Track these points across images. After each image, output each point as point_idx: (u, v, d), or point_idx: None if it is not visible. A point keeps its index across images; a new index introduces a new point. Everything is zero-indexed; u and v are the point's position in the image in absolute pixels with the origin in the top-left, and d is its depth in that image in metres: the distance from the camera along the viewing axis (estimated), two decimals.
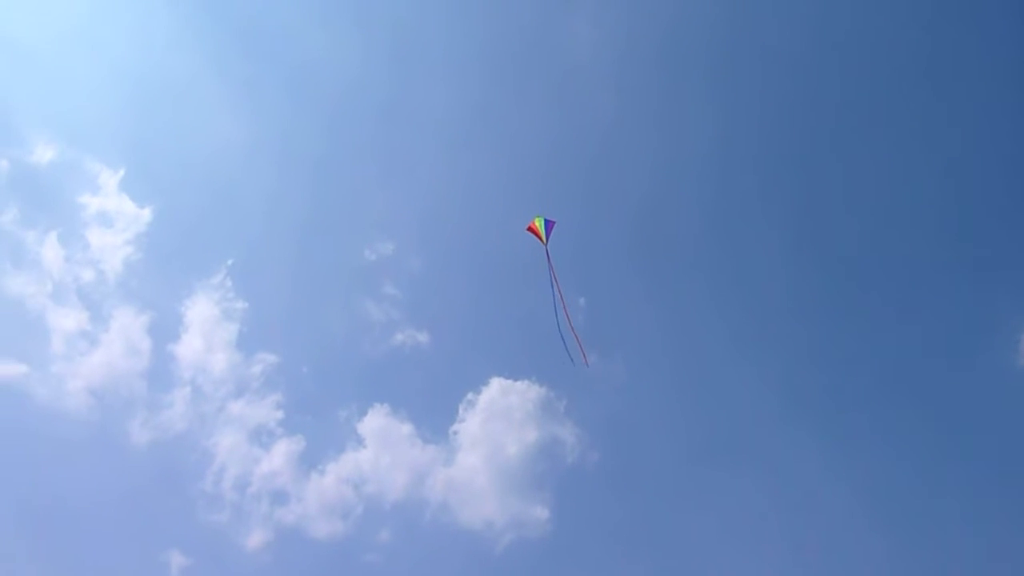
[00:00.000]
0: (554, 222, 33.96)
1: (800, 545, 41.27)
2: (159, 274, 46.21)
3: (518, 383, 44.39)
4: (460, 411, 43.97)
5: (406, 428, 43.80)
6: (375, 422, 43.76)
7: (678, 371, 47.16)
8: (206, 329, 44.80)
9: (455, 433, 43.74)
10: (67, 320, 43.52)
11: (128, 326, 44.08)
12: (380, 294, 47.14)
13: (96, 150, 46.73)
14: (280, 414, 43.79)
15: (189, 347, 44.39)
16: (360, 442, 43.41)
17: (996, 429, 42.50)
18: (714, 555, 41.01)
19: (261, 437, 43.33)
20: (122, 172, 46.28)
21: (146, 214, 46.03)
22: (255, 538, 41.16)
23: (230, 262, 46.16)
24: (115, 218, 45.70)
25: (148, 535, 40.82)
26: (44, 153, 45.70)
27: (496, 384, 44.26)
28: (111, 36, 49.11)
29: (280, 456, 42.93)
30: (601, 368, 45.20)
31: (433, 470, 43.11)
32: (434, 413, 44.58)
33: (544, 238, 34.01)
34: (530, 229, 34.13)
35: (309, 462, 42.93)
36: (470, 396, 44.13)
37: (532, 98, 51.98)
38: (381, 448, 43.42)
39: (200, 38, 49.30)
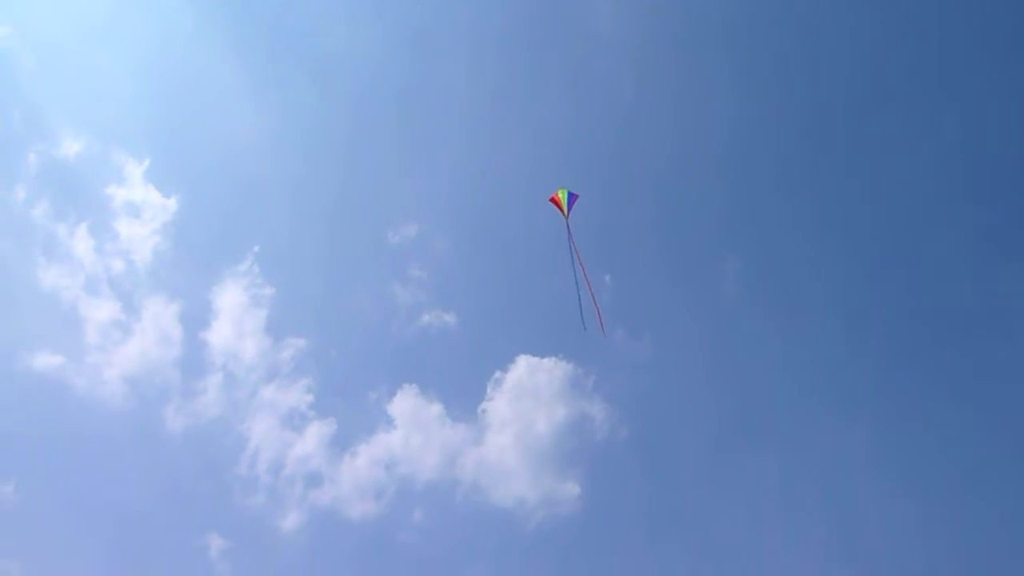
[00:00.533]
0: (577, 196, 33.88)
1: (829, 522, 41.19)
2: (187, 262, 46.94)
3: (545, 360, 44.55)
4: (488, 390, 44.23)
5: (435, 408, 44.15)
6: (405, 403, 44.15)
7: (704, 347, 46.95)
8: (236, 316, 45.45)
9: (483, 411, 44.04)
10: (100, 311, 44.34)
11: (160, 315, 44.85)
12: (406, 276, 47.50)
13: (121, 142, 47.40)
14: (311, 397, 44.34)
15: (220, 334, 45.04)
16: (391, 423, 43.86)
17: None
18: (743, 529, 41.13)
19: (293, 421, 43.95)
20: (147, 163, 46.93)
21: (172, 204, 46.72)
22: (290, 520, 41.86)
23: (256, 248, 46.63)
24: (142, 208, 46.44)
25: (187, 519, 41.67)
26: (71, 146, 46.47)
27: (523, 362, 44.46)
28: (135, 29, 49.65)
29: (312, 439, 43.50)
30: (627, 344, 45.34)
31: (464, 449, 43.44)
32: (463, 392, 44.97)
33: (566, 211, 33.89)
34: (553, 200, 34.03)
35: (341, 444, 43.45)
36: (497, 375, 44.39)
37: (553, 78, 51.85)
38: (412, 428, 43.87)
39: (222, 29, 49.65)
